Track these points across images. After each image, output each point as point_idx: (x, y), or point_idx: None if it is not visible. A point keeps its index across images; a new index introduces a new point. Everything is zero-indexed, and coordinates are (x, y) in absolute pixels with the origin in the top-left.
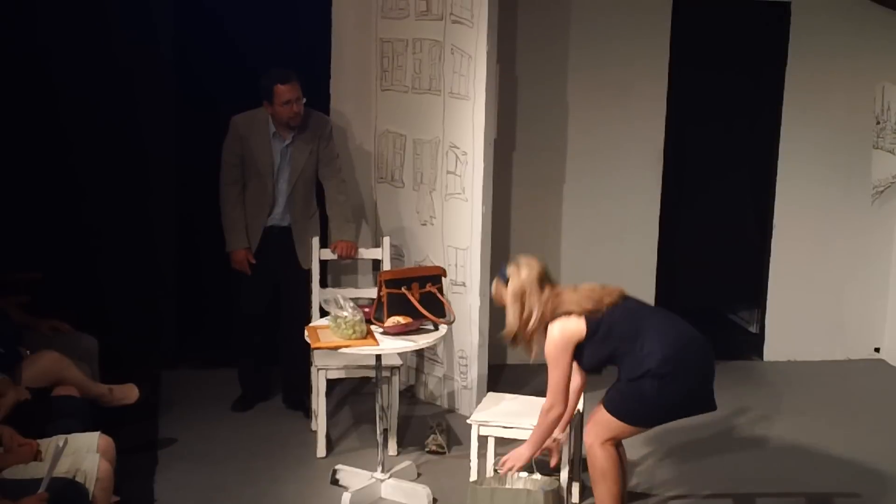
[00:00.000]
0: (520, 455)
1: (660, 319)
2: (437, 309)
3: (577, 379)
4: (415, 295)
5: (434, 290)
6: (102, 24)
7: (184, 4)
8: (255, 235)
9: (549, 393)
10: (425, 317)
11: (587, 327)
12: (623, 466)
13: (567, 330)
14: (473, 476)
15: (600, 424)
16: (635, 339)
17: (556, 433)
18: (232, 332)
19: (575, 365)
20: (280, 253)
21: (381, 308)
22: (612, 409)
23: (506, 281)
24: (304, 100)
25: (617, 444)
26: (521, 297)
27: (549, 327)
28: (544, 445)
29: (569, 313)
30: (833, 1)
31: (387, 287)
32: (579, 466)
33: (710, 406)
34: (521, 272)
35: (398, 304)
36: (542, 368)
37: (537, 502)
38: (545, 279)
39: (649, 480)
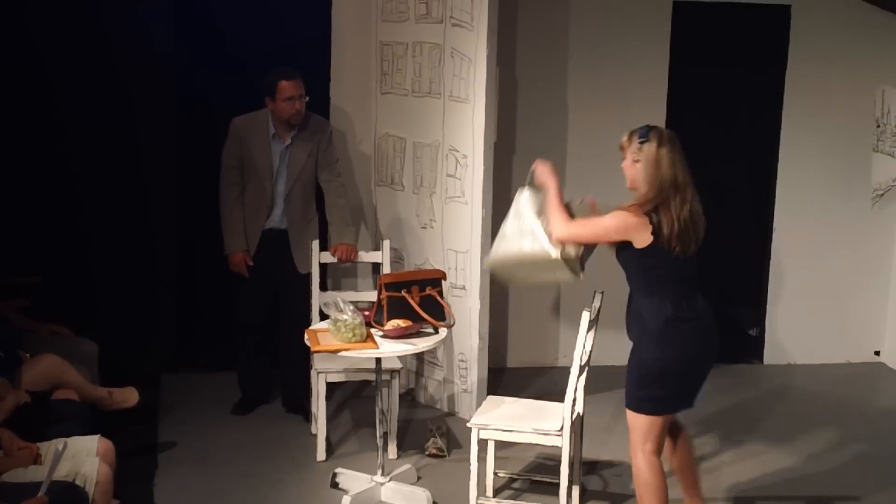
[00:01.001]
0: (553, 180)
1: (689, 289)
2: (437, 312)
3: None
4: (415, 298)
5: (434, 293)
6: (102, 27)
7: (183, 8)
8: (254, 238)
9: (572, 227)
10: (425, 320)
11: (648, 246)
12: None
13: (635, 230)
14: (473, 480)
15: (631, 430)
16: (655, 295)
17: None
18: (231, 335)
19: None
20: (277, 257)
21: (381, 311)
22: (631, 406)
23: (640, 134)
24: (307, 98)
25: (660, 451)
26: (657, 165)
27: (625, 213)
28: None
29: (654, 219)
30: (833, 4)
31: (387, 290)
32: (579, 470)
33: (690, 404)
34: (661, 140)
35: (398, 308)
36: (542, 372)
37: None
38: (673, 160)
39: None
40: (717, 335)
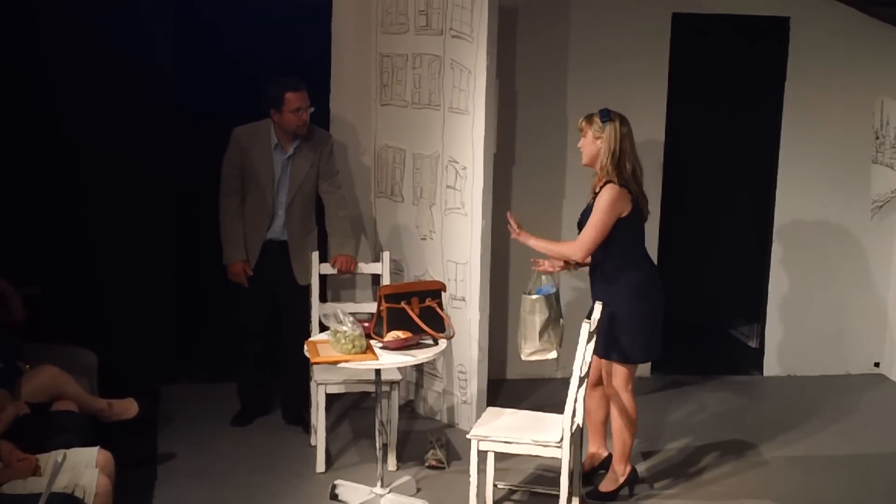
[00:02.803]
0: (527, 236)
1: (647, 255)
2: (437, 323)
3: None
4: (414, 310)
5: (434, 304)
6: (102, 40)
7: (183, 19)
8: (255, 249)
9: (584, 237)
10: (425, 331)
11: (630, 212)
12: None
13: (621, 200)
14: (473, 491)
15: (615, 376)
16: (627, 255)
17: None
18: (231, 346)
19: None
20: (277, 268)
21: (381, 323)
22: (617, 358)
23: (602, 116)
24: (313, 109)
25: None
26: (619, 140)
27: (611, 185)
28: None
29: (628, 188)
30: (832, 16)
31: (386, 302)
32: (579, 481)
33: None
34: (622, 121)
35: (398, 319)
36: (541, 383)
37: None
38: (629, 138)
39: (650, 495)
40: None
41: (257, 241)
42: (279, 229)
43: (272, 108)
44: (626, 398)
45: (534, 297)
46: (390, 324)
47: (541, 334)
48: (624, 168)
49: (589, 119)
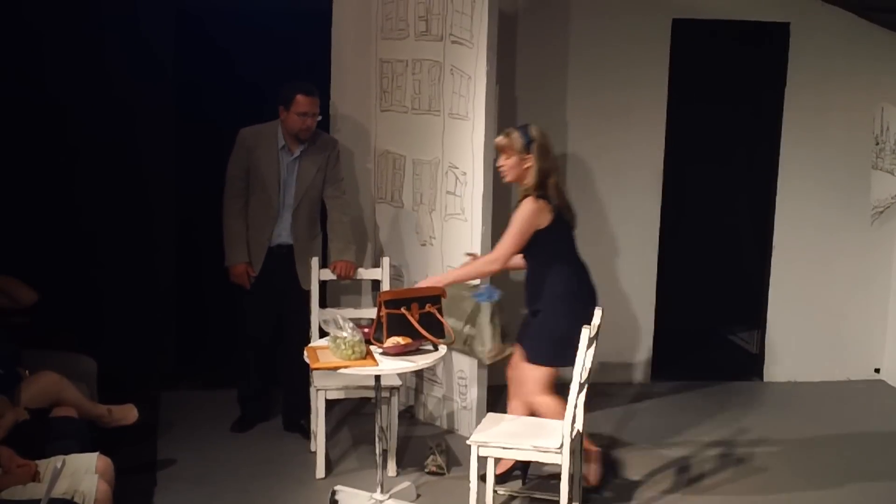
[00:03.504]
0: (438, 280)
1: (577, 260)
2: (437, 329)
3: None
4: (414, 315)
5: (433, 310)
6: (103, 46)
7: (184, 26)
8: (260, 252)
9: (500, 248)
10: (425, 337)
11: (551, 222)
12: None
13: (541, 215)
14: (473, 497)
15: (536, 381)
16: (556, 263)
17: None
18: (232, 352)
19: None
20: (283, 273)
21: (381, 328)
22: (543, 362)
23: (527, 138)
24: (320, 118)
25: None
26: (545, 158)
27: (530, 199)
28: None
29: (548, 200)
30: (832, 22)
31: (386, 307)
32: (579, 487)
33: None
34: (543, 137)
35: (398, 325)
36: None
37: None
38: (551, 150)
39: (651, 501)
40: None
41: (262, 243)
42: (286, 232)
43: (281, 106)
44: (549, 399)
45: (486, 303)
46: (390, 329)
47: (495, 336)
48: (547, 184)
49: (509, 137)
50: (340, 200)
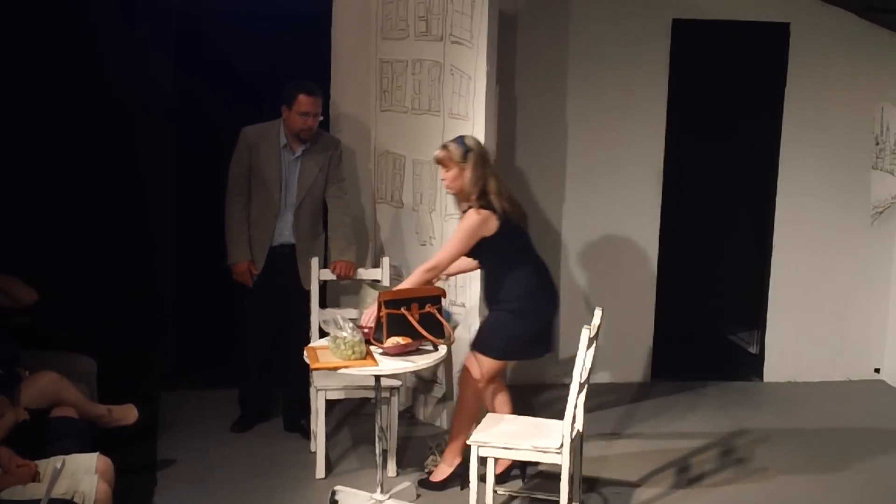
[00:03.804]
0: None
1: (535, 260)
2: (437, 329)
3: (469, 260)
4: (414, 315)
5: (433, 310)
6: (102, 50)
7: (183, 27)
8: (262, 251)
9: (439, 256)
10: (425, 337)
11: (498, 229)
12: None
13: (487, 224)
14: (473, 498)
15: (480, 368)
16: (512, 265)
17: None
18: (232, 352)
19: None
20: (285, 273)
21: (381, 329)
22: (475, 347)
23: (464, 149)
24: (322, 118)
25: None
26: (486, 167)
27: (474, 210)
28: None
29: (492, 209)
30: (832, 22)
31: (386, 308)
32: (579, 487)
33: (550, 348)
34: (480, 146)
35: (397, 325)
36: (541, 389)
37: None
38: (489, 159)
39: (651, 501)
40: (556, 300)
41: (264, 242)
42: (288, 231)
43: (284, 105)
44: (475, 389)
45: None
46: (390, 330)
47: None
48: (488, 191)
49: (446, 150)
50: (342, 200)
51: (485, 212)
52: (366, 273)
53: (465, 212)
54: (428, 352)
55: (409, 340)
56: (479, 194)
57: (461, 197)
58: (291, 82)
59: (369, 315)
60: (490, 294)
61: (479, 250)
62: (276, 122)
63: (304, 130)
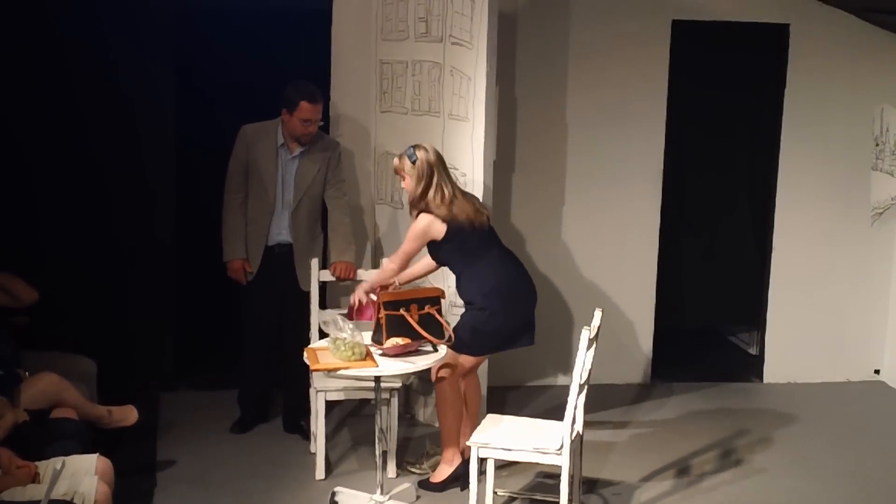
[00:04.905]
0: (357, 291)
1: (498, 256)
2: (436, 330)
3: (420, 267)
4: (413, 317)
5: (433, 311)
6: (102, 54)
7: (184, 27)
8: (258, 250)
9: (397, 256)
10: (424, 338)
11: (446, 233)
12: (475, 398)
13: (431, 228)
14: (473, 499)
15: (447, 362)
16: (473, 264)
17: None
18: (232, 353)
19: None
20: (282, 273)
21: (381, 330)
22: (474, 353)
23: (412, 159)
24: (322, 123)
25: (464, 379)
26: (430, 177)
27: (422, 215)
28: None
29: (440, 215)
30: (832, 23)
31: (385, 309)
32: (579, 489)
33: (530, 341)
34: (430, 155)
35: (397, 326)
36: (541, 390)
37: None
38: (443, 166)
39: (650, 502)
40: (531, 292)
41: (259, 241)
42: (285, 231)
43: (284, 109)
44: (451, 384)
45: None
46: (389, 331)
47: None
48: (433, 197)
49: (400, 160)
50: (342, 201)
51: (429, 216)
52: (366, 274)
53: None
54: (428, 353)
55: (408, 341)
56: (424, 196)
57: (412, 203)
58: (293, 85)
59: (356, 298)
60: (461, 295)
61: (437, 253)
62: (274, 122)
63: (304, 136)
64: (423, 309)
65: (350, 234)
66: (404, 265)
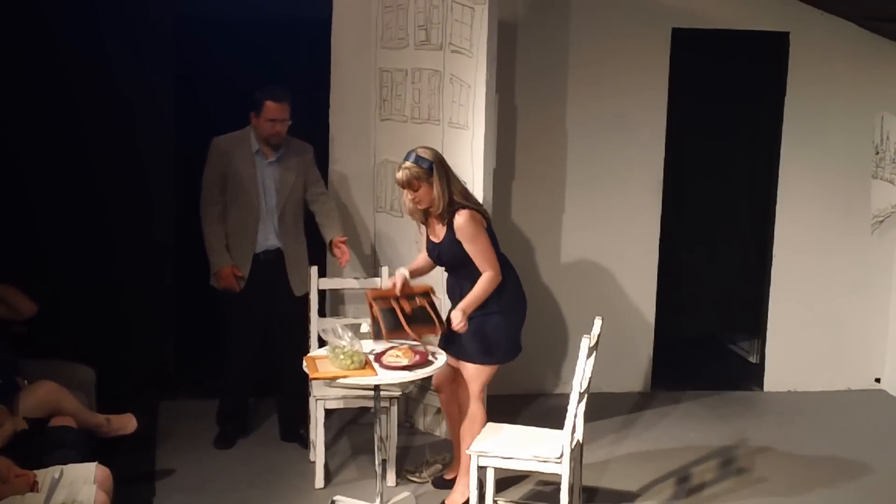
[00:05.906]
0: (460, 314)
1: (504, 258)
2: (428, 322)
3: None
4: (405, 308)
5: (424, 302)
6: (103, 51)
7: (184, 35)
8: (245, 258)
9: (488, 265)
10: (417, 327)
11: (488, 225)
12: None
13: (476, 218)
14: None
15: (471, 380)
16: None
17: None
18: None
19: (426, 251)
20: (272, 280)
21: (378, 325)
22: (474, 359)
23: (425, 164)
24: (290, 122)
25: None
26: (448, 171)
27: (460, 212)
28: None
29: (470, 207)
30: (832, 31)
31: (376, 302)
32: (579, 497)
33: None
34: (435, 153)
35: (392, 317)
36: (541, 399)
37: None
38: (447, 163)
39: None
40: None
41: (247, 249)
42: (273, 237)
43: (252, 112)
44: (478, 405)
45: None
46: (385, 322)
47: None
48: (457, 193)
49: (408, 170)
50: (324, 195)
51: (468, 211)
52: (365, 282)
53: (450, 221)
54: (431, 364)
55: (410, 355)
56: (451, 198)
57: (434, 209)
58: (260, 89)
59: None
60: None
61: (463, 255)
62: (246, 130)
63: (273, 136)
64: (415, 301)
65: (338, 215)
66: (497, 265)
